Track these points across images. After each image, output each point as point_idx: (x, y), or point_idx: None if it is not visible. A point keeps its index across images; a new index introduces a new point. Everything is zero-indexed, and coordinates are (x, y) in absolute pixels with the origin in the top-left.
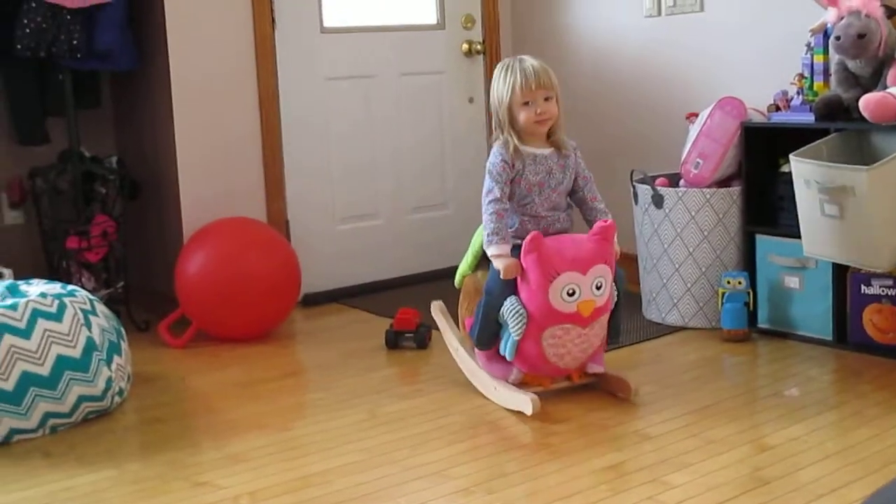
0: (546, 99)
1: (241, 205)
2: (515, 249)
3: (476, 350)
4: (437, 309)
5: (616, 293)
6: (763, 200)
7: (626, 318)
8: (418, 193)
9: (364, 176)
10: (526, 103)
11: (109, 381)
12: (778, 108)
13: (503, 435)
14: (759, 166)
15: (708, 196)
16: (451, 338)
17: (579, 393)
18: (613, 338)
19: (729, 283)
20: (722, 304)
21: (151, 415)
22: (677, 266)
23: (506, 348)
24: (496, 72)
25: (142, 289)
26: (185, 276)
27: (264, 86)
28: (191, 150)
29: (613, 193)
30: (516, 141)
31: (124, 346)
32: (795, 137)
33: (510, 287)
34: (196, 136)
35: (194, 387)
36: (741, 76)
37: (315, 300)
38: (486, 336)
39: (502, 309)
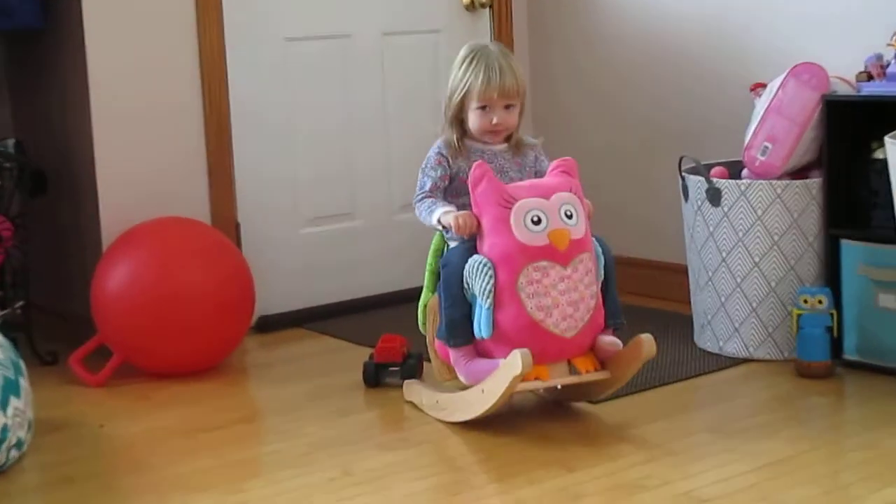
0: (507, 107)
1: (178, 201)
2: (458, 245)
3: (452, 354)
4: (410, 388)
5: (599, 250)
6: (851, 195)
7: (673, 346)
8: (408, 187)
9: (337, 165)
10: (483, 108)
11: (4, 430)
12: (870, 77)
13: (514, 498)
14: (846, 151)
15: (779, 190)
16: (430, 393)
17: (599, 427)
18: (613, 318)
19: (806, 301)
20: (797, 328)
21: (60, 473)
22: (739, 280)
23: (480, 326)
24: (458, 58)
25: (48, 310)
26: (104, 294)
27: (207, 48)
28: (112, 132)
29: (656, 187)
30: (456, 136)
31: (24, 384)
32: (893, 114)
33: (467, 251)
34: (119, 114)
35: (116, 436)
36: (822, 36)
37: (273, 324)
38: (456, 322)
39: (465, 274)
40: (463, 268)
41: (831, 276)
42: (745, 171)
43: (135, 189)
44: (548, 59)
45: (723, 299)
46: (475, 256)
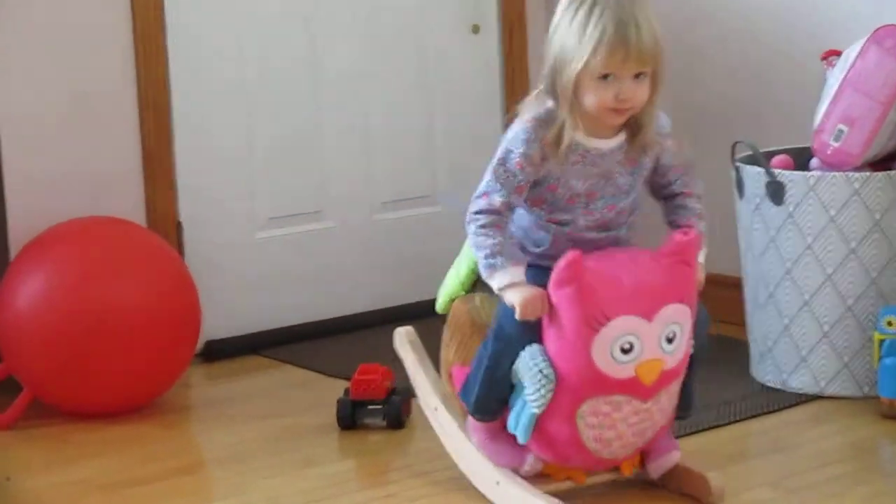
0: (637, 76)
1: (106, 198)
2: (537, 273)
3: (470, 420)
4: (403, 339)
5: (692, 343)
6: None
7: (725, 381)
8: (392, 180)
9: (304, 152)
10: (605, 76)
11: None
12: None
13: None
14: None
15: (857, 185)
16: (428, 390)
17: (629, 492)
18: (684, 409)
19: (891, 324)
20: (880, 358)
21: None
22: (808, 298)
23: (518, 424)
24: (566, 5)
25: None
26: (10, 314)
27: (142, 10)
28: (20, 109)
29: (705, 180)
30: (568, 125)
31: None
32: None
33: (531, 331)
34: (30, 87)
35: (25, 491)
36: None
37: (224, 351)
38: (490, 401)
39: (517, 363)
40: (518, 351)
41: None
42: (814, 161)
43: (49, 182)
44: None
45: (787, 321)
46: (537, 354)
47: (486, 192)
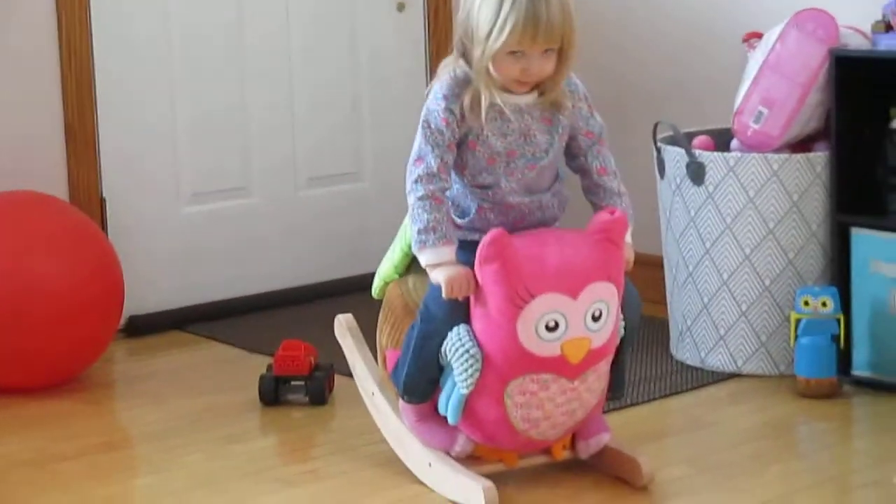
0: (545, 52)
1: (25, 171)
2: (467, 250)
3: (402, 403)
4: (343, 327)
5: (623, 324)
6: (863, 174)
7: (645, 359)
8: (317, 156)
9: (229, 126)
10: (514, 53)
11: None
12: (889, 28)
13: None
14: (859, 119)
15: (776, 166)
16: (365, 374)
17: (561, 474)
18: (616, 389)
19: (808, 304)
20: (796, 337)
21: None
22: (726, 277)
23: (447, 405)
24: None
25: None
26: None
27: None
28: None
29: (627, 160)
30: (484, 92)
31: None
32: None
33: (458, 311)
34: None
35: None
36: None
37: (147, 326)
38: (419, 383)
39: (445, 344)
40: (445, 332)
41: (839, 272)
42: (734, 142)
43: None
44: None
45: (706, 300)
46: (463, 333)
47: (419, 156)
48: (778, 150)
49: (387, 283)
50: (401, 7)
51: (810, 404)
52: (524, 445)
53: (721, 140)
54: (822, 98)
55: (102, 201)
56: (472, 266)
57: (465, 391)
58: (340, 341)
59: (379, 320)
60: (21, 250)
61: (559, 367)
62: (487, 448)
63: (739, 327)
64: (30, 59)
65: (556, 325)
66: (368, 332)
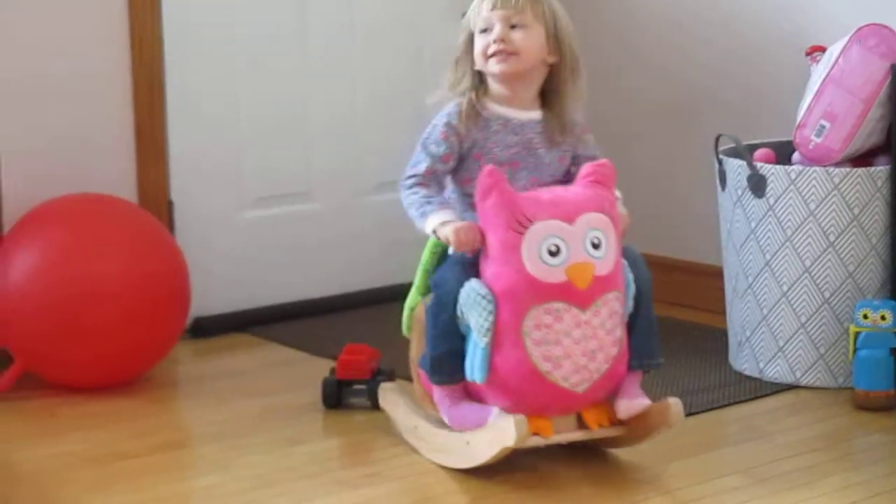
0: (513, 26)
1: (96, 175)
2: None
3: (436, 392)
4: (386, 395)
5: (630, 278)
6: None
7: (703, 369)
8: (381, 162)
9: (293, 131)
10: (484, 30)
11: None
12: None
13: None
14: None
15: (837, 180)
16: (407, 412)
17: (611, 465)
18: (649, 357)
19: (867, 317)
20: (855, 350)
21: None
22: (786, 289)
23: (473, 366)
24: None
25: None
26: (4, 288)
27: None
28: (11, 86)
29: (687, 171)
30: (473, 92)
31: None
32: None
33: (469, 272)
34: (13, 55)
35: (15, 464)
36: None
37: (212, 328)
38: (443, 357)
39: (459, 302)
40: (459, 292)
41: None
42: (796, 155)
43: (46, 160)
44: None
45: (765, 312)
46: (474, 283)
47: (413, 163)
48: (839, 164)
49: (412, 310)
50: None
51: (868, 417)
52: (552, 398)
53: (782, 153)
54: (883, 112)
55: (170, 204)
56: (474, 260)
57: (486, 339)
58: (383, 406)
59: (412, 342)
60: (91, 252)
61: (568, 293)
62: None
63: (798, 339)
64: (101, 62)
65: (558, 249)
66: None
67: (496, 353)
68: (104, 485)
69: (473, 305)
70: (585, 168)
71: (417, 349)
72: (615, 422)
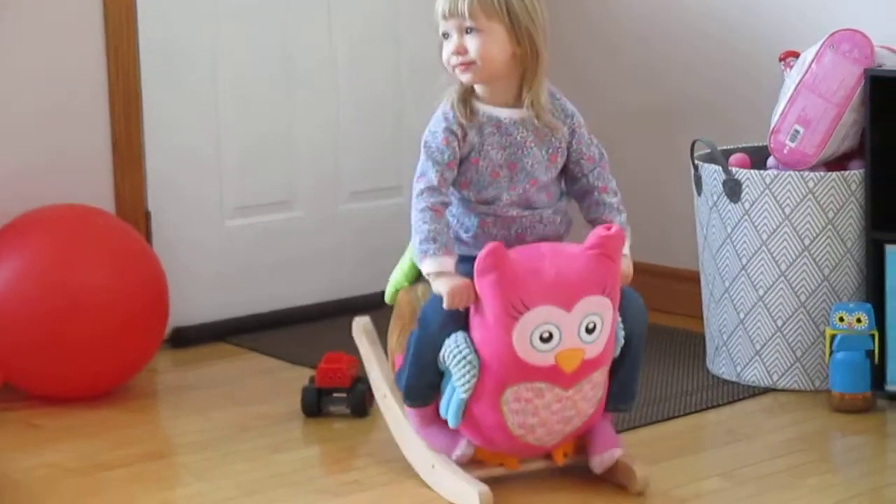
0: (467, 31)
1: (74, 186)
2: (468, 263)
3: (407, 408)
4: (360, 329)
5: (622, 333)
6: None
7: (681, 373)
8: (360, 170)
9: (272, 142)
10: (445, 35)
11: None
12: None
13: None
14: (893, 138)
15: (812, 184)
16: (379, 377)
17: (561, 479)
18: (622, 402)
19: (843, 320)
20: (831, 353)
21: None
22: (762, 293)
23: (448, 409)
24: None
25: None
26: None
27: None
28: None
29: (664, 176)
30: (460, 94)
31: None
32: None
33: (457, 319)
34: (2, 76)
35: None
36: None
37: (191, 338)
38: (419, 387)
39: (443, 350)
40: (442, 340)
41: (873, 289)
42: (771, 160)
43: (23, 172)
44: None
45: (742, 316)
46: (461, 340)
47: (421, 173)
48: (813, 169)
49: (398, 290)
50: None
51: (845, 419)
52: (522, 450)
53: (757, 158)
54: (857, 117)
55: (147, 214)
56: (472, 278)
57: (464, 395)
58: (357, 343)
59: (390, 325)
60: (68, 262)
61: (553, 376)
62: (488, 452)
63: (775, 342)
64: (77, 73)
65: (550, 336)
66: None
67: (473, 403)
68: (87, 496)
69: (457, 363)
70: (593, 237)
71: (395, 337)
72: (580, 449)
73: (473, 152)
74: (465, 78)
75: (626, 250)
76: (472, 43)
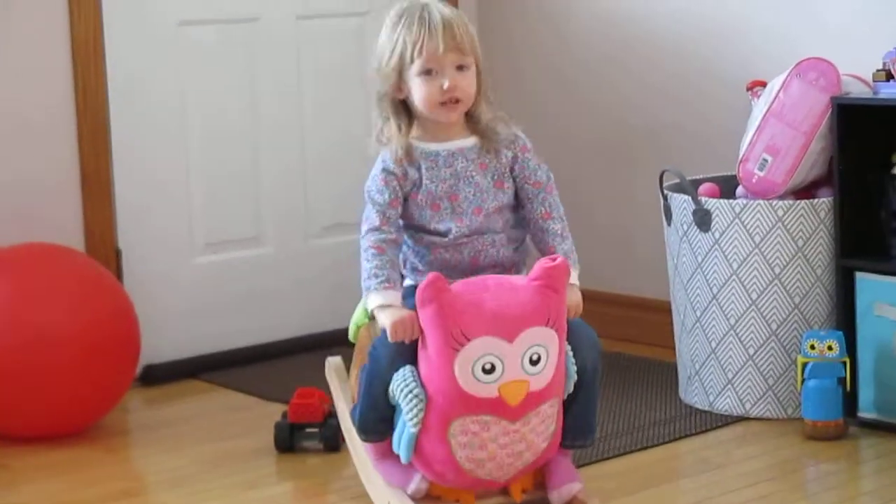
0: (459, 68)
1: (43, 223)
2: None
3: (362, 442)
4: (331, 369)
5: (573, 369)
6: (866, 219)
7: (654, 403)
8: (330, 205)
9: (242, 177)
10: (428, 72)
11: None
12: (890, 77)
13: None
14: (861, 166)
15: (781, 212)
16: (345, 414)
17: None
18: (581, 437)
19: (814, 347)
20: (803, 381)
21: None
22: (733, 322)
23: (400, 444)
24: (386, 22)
25: None
26: None
27: (81, 33)
28: None
29: (634, 206)
30: (402, 138)
31: None
32: None
33: (406, 353)
34: None
35: None
36: (833, 28)
37: (163, 375)
38: (372, 422)
39: (392, 385)
40: (391, 375)
41: (844, 316)
42: (740, 189)
43: None
44: (505, 49)
45: (714, 345)
46: (408, 374)
47: (365, 217)
48: (782, 197)
49: (359, 327)
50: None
51: (817, 446)
52: (474, 484)
53: (727, 187)
54: (825, 145)
55: (118, 252)
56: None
57: (413, 430)
58: (329, 382)
59: (352, 360)
60: (38, 301)
61: (498, 408)
62: (444, 487)
63: (747, 371)
64: (46, 110)
65: (493, 367)
66: None
67: (423, 437)
68: None
69: (405, 398)
70: (536, 269)
71: (354, 374)
72: (539, 484)
73: (413, 188)
74: (450, 116)
75: (573, 279)
76: (464, 80)
